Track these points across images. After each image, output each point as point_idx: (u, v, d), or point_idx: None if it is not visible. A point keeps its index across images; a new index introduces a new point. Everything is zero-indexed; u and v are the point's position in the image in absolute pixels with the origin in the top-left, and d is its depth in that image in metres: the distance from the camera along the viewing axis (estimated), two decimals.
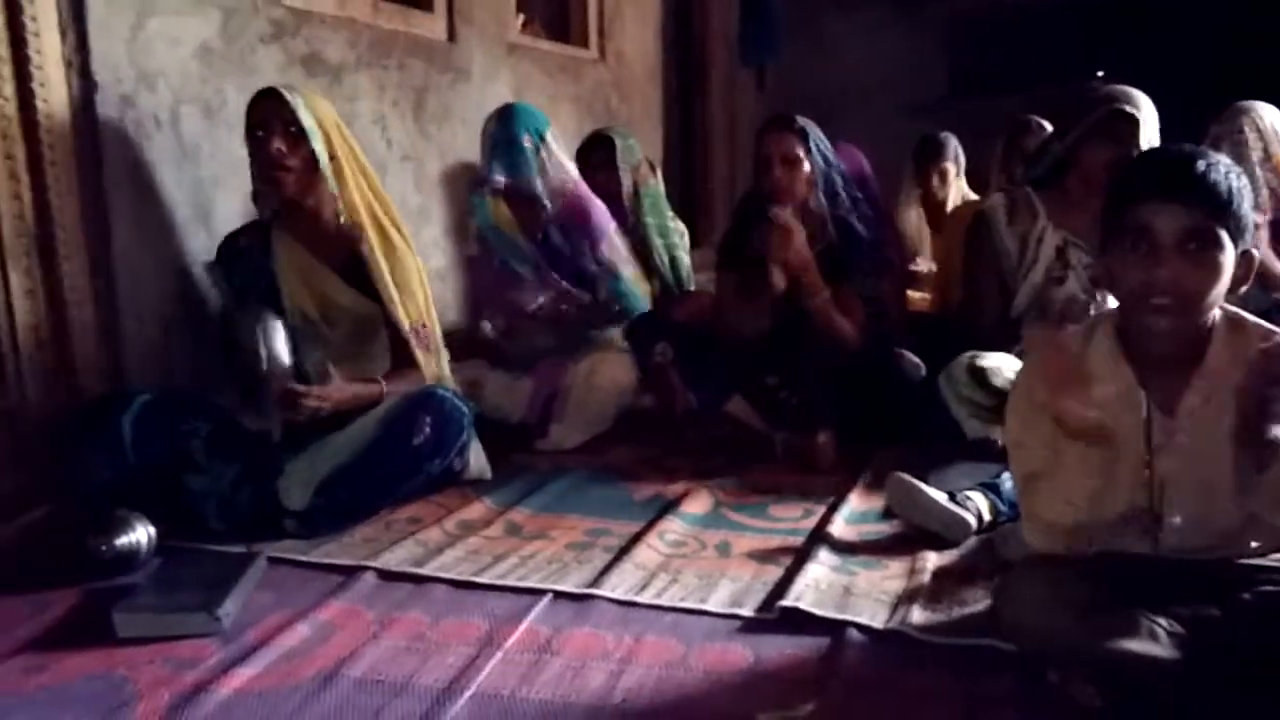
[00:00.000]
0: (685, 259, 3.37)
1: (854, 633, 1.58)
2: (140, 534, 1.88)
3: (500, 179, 2.81)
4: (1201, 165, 1.32)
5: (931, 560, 1.87)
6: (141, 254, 2.32)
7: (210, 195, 2.49)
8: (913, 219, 4.14)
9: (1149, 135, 2.32)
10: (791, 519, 2.17)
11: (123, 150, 2.26)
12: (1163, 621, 1.32)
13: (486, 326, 3.01)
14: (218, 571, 1.78)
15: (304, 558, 1.94)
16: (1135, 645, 1.30)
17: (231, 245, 2.34)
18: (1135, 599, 1.36)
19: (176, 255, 2.42)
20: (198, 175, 2.45)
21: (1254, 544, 1.44)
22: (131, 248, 2.29)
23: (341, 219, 2.24)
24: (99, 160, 2.21)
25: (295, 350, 2.19)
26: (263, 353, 2.10)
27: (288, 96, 2.17)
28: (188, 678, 1.47)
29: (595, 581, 1.80)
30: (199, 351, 2.42)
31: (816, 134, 2.70)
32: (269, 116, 2.17)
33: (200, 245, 2.45)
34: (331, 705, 1.41)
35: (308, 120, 2.18)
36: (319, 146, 2.19)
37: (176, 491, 2.05)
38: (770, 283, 2.57)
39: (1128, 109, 2.31)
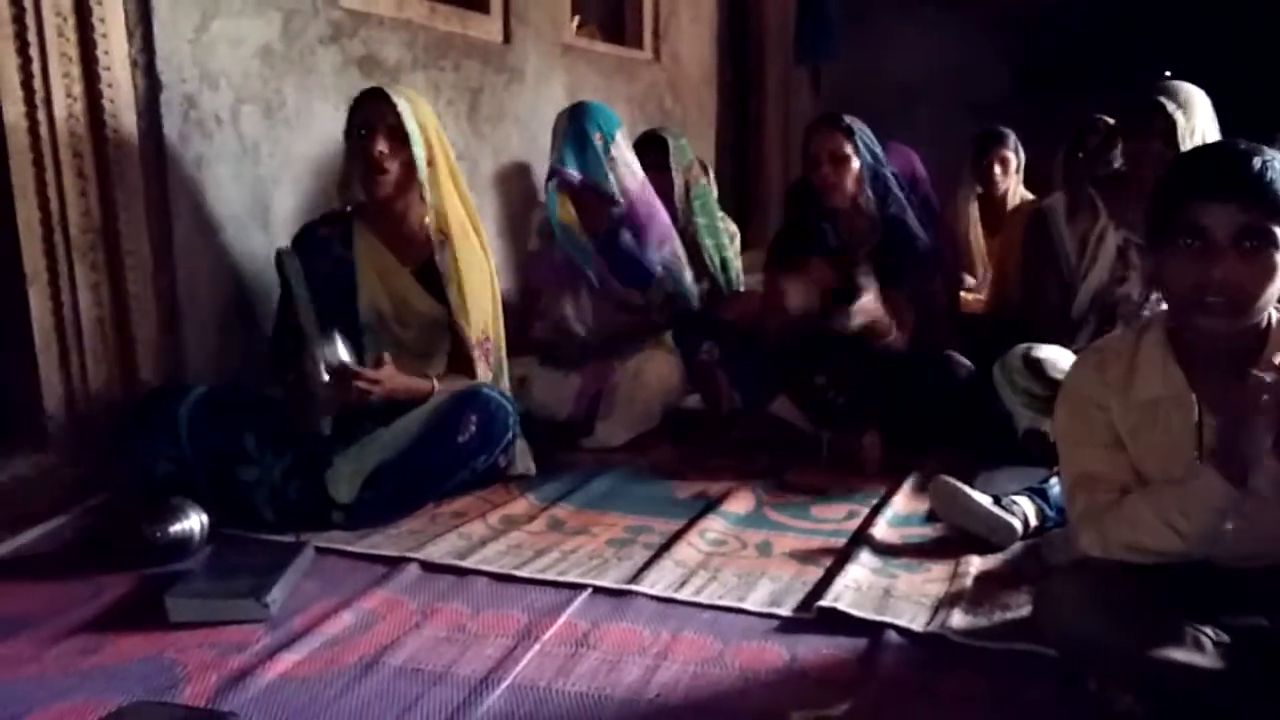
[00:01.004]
0: (734, 260, 3.36)
1: (892, 635, 1.57)
2: (193, 522, 1.94)
3: (574, 173, 2.82)
4: (1258, 162, 1.29)
5: (975, 564, 1.85)
6: (201, 250, 2.38)
7: (269, 193, 2.55)
8: (968, 218, 4.07)
9: (1194, 129, 2.27)
10: (834, 520, 2.15)
11: (185, 148, 2.33)
12: (1209, 631, 1.29)
13: (539, 325, 3.01)
14: (267, 560, 1.82)
15: (350, 548, 1.98)
16: (1179, 654, 1.27)
17: (311, 234, 2.36)
18: (1181, 607, 1.33)
19: (235, 252, 2.48)
20: (257, 174, 2.52)
21: None
22: (192, 244, 2.35)
23: (430, 226, 2.25)
24: (162, 158, 2.28)
25: (359, 353, 2.19)
26: (320, 357, 2.09)
27: (395, 99, 2.19)
28: (234, 662, 1.52)
29: (634, 578, 1.82)
30: (254, 346, 2.48)
31: (864, 132, 2.69)
32: (374, 117, 2.19)
33: (258, 243, 2.51)
34: (372, 692, 1.44)
35: (411, 124, 2.19)
36: (419, 152, 2.21)
37: (229, 482, 2.10)
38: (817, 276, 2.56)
39: (1160, 101, 2.27)
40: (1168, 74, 5.05)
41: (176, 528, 1.92)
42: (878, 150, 2.69)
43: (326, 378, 2.07)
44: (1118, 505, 1.39)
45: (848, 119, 2.66)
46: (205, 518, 1.96)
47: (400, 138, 2.19)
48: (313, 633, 1.60)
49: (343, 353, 2.11)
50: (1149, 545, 1.35)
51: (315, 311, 2.21)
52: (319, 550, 1.94)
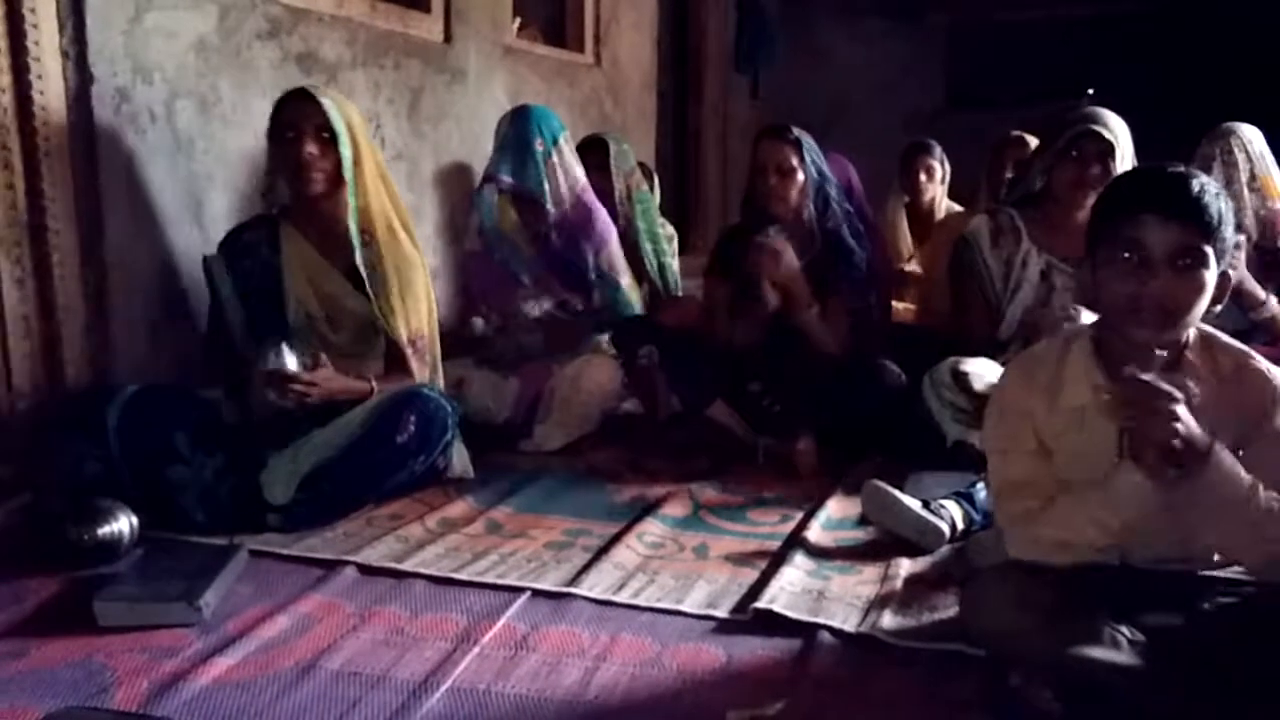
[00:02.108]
0: (673, 264, 3.39)
1: (825, 635, 1.61)
2: (122, 524, 1.90)
3: (506, 179, 2.83)
4: (1196, 185, 1.36)
5: (905, 567, 1.90)
6: (133, 246, 2.34)
7: (203, 190, 2.51)
8: (900, 226, 4.18)
9: (1122, 155, 2.36)
10: (769, 523, 2.19)
11: (117, 143, 2.28)
12: (1125, 629, 1.36)
13: (478, 324, 3.01)
14: (199, 563, 1.79)
15: (285, 551, 1.96)
16: (1097, 652, 1.33)
17: (237, 238, 2.33)
18: (1100, 607, 1.39)
19: (168, 249, 2.44)
20: (191, 170, 2.47)
21: (1216, 557, 1.48)
22: (123, 240, 2.30)
23: (353, 225, 2.23)
24: (93, 152, 2.23)
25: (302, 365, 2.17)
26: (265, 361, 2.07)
27: (321, 99, 2.18)
28: (166, 666, 1.49)
29: (573, 580, 1.83)
30: (186, 345, 2.43)
31: (811, 144, 2.74)
32: (301, 119, 2.17)
33: (192, 240, 2.46)
34: (309, 696, 1.43)
35: (339, 124, 2.18)
36: (347, 152, 2.20)
37: (160, 483, 2.06)
38: (763, 300, 2.60)
39: (1096, 129, 2.35)
40: (1090, 92, 5.24)
41: (104, 530, 1.88)
42: (823, 164, 2.75)
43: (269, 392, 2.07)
44: (1048, 509, 1.45)
45: (796, 131, 2.71)
46: (134, 519, 1.92)
47: (328, 138, 2.18)
48: (247, 637, 1.58)
49: (290, 361, 2.09)
50: (1079, 543, 1.41)
51: (246, 318, 2.20)
52: (253, 553, 1.92)
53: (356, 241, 2.23)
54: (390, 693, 1.44)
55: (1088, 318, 1.59)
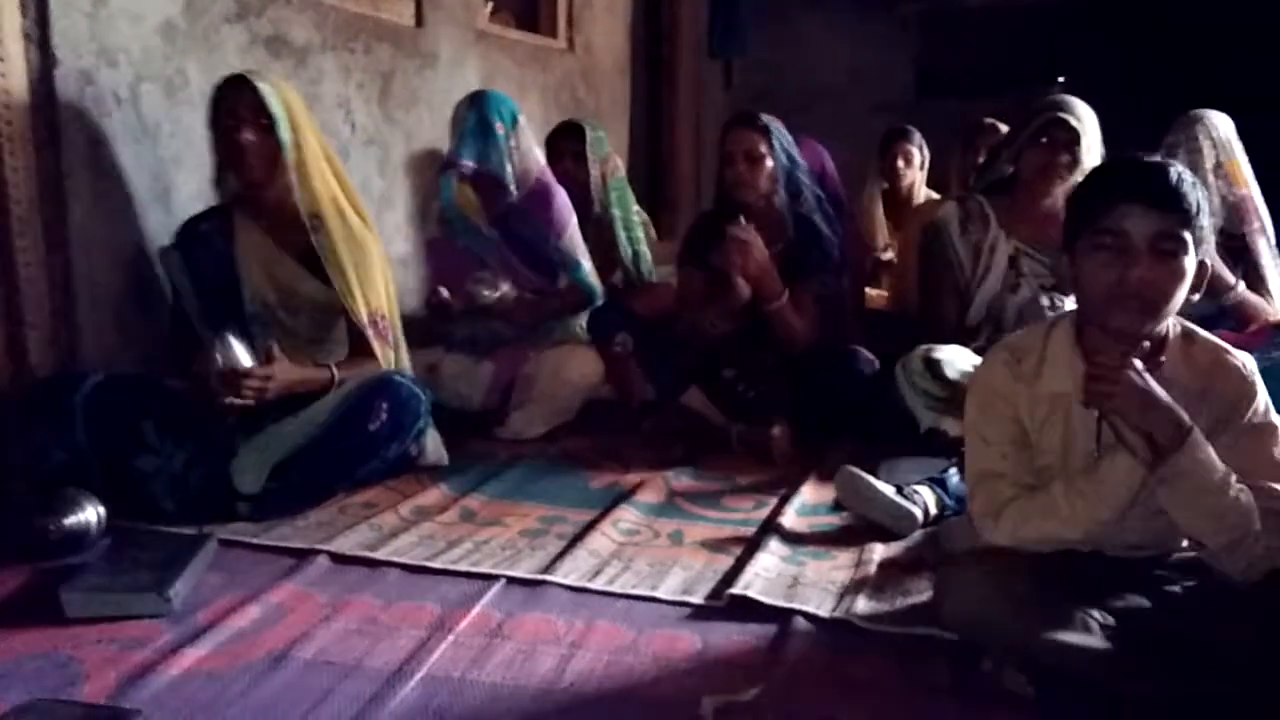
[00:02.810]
0: (647, 252, 3.38)
1: (800, 621, 1.61)
2: (89, 514, 1.88)
3: (469, 164, 2.81)
4: (1174, 174, 1.38)
5: (878, 552, 1.91)
6: (99, 232, 2.29)
7: (170, 175, 2.47)
8: (876, 214, 4.18)
9: (1089, 144, 2.38)
10: (744, 509, 2.20)
11: (81, 127, 2.23)
12: (1095, 614, 1.37)
13: (444, 291, 2.94)
14: (168, 553, 1.77)
15: (256, 540, 1.94)
16: (1069, 636, 1.35)
17: (192, 230, 2.31)
18: (1071, 592, 1.40)
19: (134, 235, 2.40)
20: (157, 154, 2.43)
21: (1185, 542, 1.49)
22: (88, 226, 2.26)
23: (302, 209, 2.22)
24: (57, 136, 2.18)
25: (250, 346, 2.14)
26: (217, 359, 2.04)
27: (257, 84, 2.16)
28: (135, 658, 1.47)
29: (548, 568, 1.82)
30: (154, 333, 2.40)
31: (780, 131, 2.73)
32: (238, 105, 2.15)
33: (159, 225, 2.42)
34: (281, 686, 1.41)
35: (276, 109, 2.16)
36: (285, 135, 2.18)
37: (127, 473, 2.04)
38: (735, 291, 2.59)
39: (1061, 115, 2.37)
40: (1060, 79, 5.27)
41: (71, 520, 1.85)
42: (793, 150, 2.75)
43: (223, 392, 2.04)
44: (1030, 498, 1.47)
45: (765, 118, 2.71)
46: (101, 509, 1.90)
47: (266, 124, 2.16)
48: (217, 627, 1.56)
49: (240, 355, 2.05)
50: (1062, 533, 1.44)
51: (202, 308, 2.18)
52: (223, 543, 1.90)
53: (309, 224, 2.21)
54: (363, 682, 1.43)
55: (1068, 305, 1.60)
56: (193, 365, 2.08)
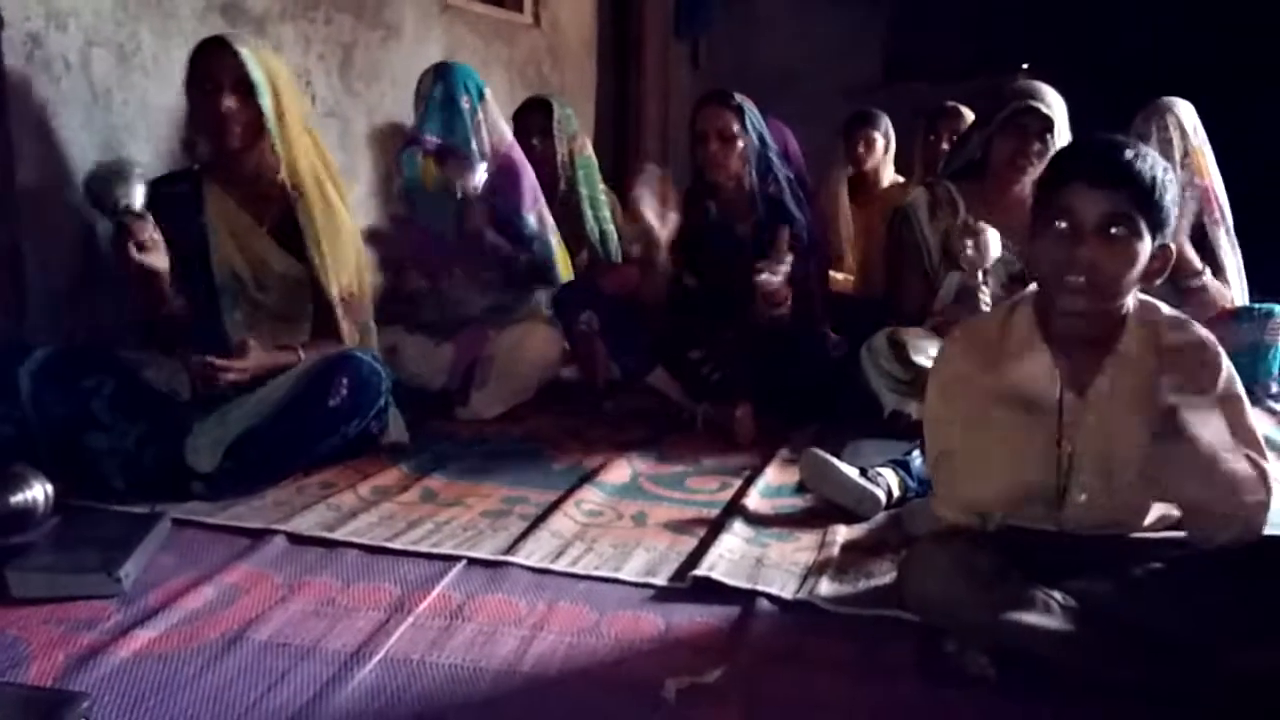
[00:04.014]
0: (614, 231, 3.36)
1: (764, 602, 1.61)
2: (37, 491, 1.82)
3: (433, 139, 2.76)
4: (1129, 154, 1.37)
5: (841, 534, 1.91)
6: (48, 201, 2.23)
7: (123, 144, 2.40)
8: (841, 198, 4.17)
9: (1060, 131, 2.38)
10: (708, 491, 2.19)
11: (28, 92, 2.16)
12: (1056, 595, 1.38)
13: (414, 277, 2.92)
14: (119, 532, 1.72)
15: (211, 520, 1.90)
16: (1030, 617, 1.35)
17: (161, 190, 2.20)
18: (1033, 573, 1.41)
19: (85, 204, 2.32)
20: (109, 121, 2.36)
21: (1146, 522, 1.51)
22: (37, 193, 2.20)
23: (281, 178, 2.16)
24: (4, 102, 2.11)
25: (216, 320, 2.10)
26: (122, 203, 1.96)
27: (238, 48, 2.08)
28: (84, 639, 1.44)
29: (510, 549, 1.80)
30: (106, 306, 2.33)
31: (753, 112, 2.71)
32: (218, 69, 2.08)
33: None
34: (235, 668, 1.38)
35: (258, 75, 2.09)
36: (267, 103, 2.11)
37: (77, 449, 1.98)
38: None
39: (1033, 103, 2.37)
40: (1025, 66, 5.30)
41: (18, 497, 1.80)
42: (764, 131, 2.73)
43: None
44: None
45: (738, 97, 2.68)
46: (49, 487, 1.84)
47: (246, 90, 2.09)
48: (170, 608, 1.53)
49: (137, 198, 1.98)
50: (982, 492, 1.48)
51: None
52: (176, 522, 1.86)
53: (292, 195, 2.16)
54: (320, 664, 1.40)
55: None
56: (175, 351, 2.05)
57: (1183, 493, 1.36)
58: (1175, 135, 2.83)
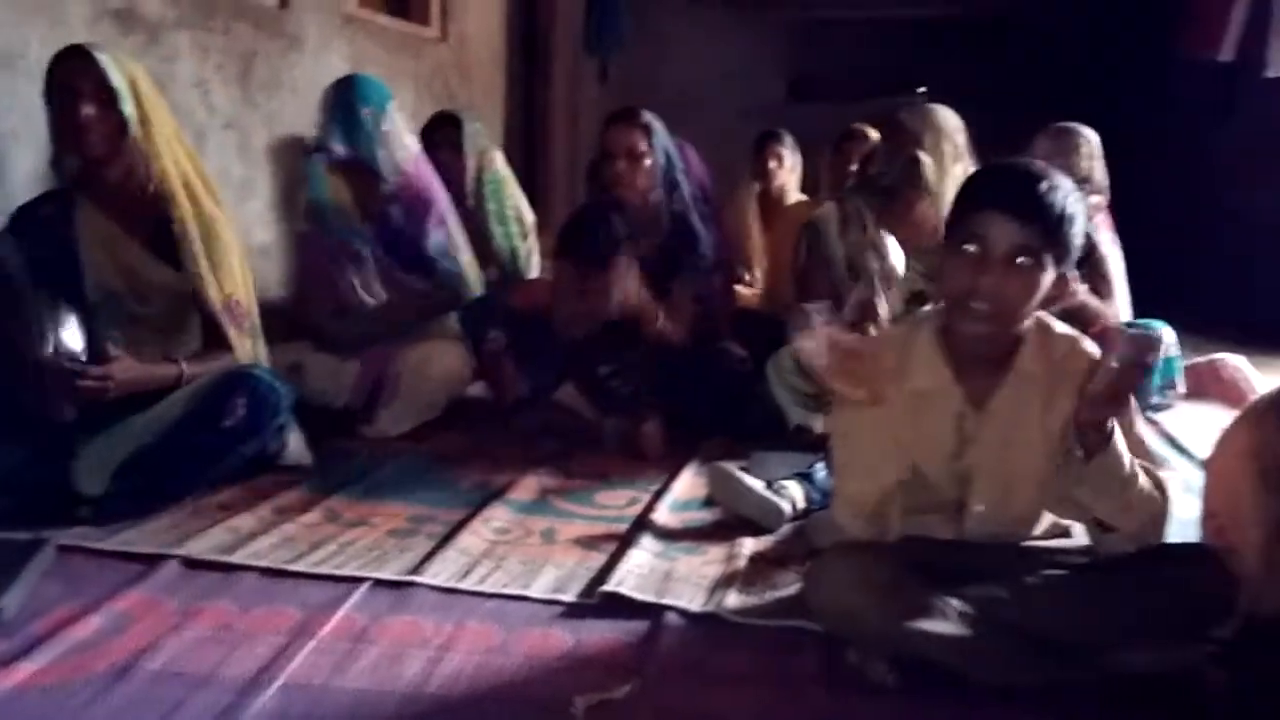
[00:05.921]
0: (523, 247, 3.35)
1: (672, 616, 1.61)
2: None
3: (339, 149, 2.69)
4: (1044, 186, 1.39)
5: (748, 546, 1.93)
6: None
7: (8, 151, 2.30)
8: (750, 214, 4.25)
9: (945, 152, 2.45)
10: (617, 506, 2.19)
11: None
12: (955, 602, 1.42)
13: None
14: None
15: (99, 545, 1.82)
16: (928, 625, 1.39)
17: (29, 215, 2.14)
18: (933, 581, 1.45)
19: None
20: None
21: (1038, 531, 1.57)
22: None
23: (151, 187, 2.09)
24: None
25: (91, 337, 2.00)
26: (49, 342, 1.90)
27: (96, 55, 2.02)
28: None
29: (416, 569, 1.77)
30: None
31: (660, 129, 2.74)
32: (75, 77, 2.01)
33: None
34: (125, 700, 1.33)
35: (118, 81, 2.03)
36: (129, 109, 2.05)
37: None
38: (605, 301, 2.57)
39: (912, 130, 2.44)
40: (921, 89, 5.49)
41: None
42: (672, 149, 2.76)
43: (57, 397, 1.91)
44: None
45: (646, 115, 2.71)
46: None
47: (107, 97, 2.02)
48: (55, 638, 1.46)
49: (73, 340, 1.92)
50: (855, 495, 1.53)
51: (44, 298, 1.99)
52: (61, 549, 1.78)
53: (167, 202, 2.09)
54: (217, 692, 1.35)
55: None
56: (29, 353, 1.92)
57: (1095, 510, 1.43)
58: (1081, 159, 2.95)
